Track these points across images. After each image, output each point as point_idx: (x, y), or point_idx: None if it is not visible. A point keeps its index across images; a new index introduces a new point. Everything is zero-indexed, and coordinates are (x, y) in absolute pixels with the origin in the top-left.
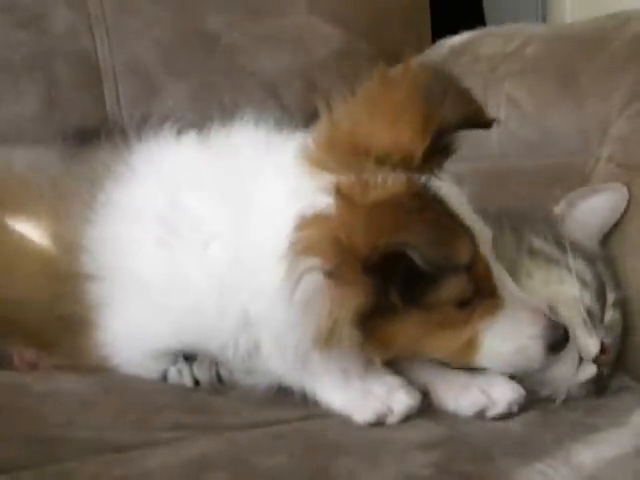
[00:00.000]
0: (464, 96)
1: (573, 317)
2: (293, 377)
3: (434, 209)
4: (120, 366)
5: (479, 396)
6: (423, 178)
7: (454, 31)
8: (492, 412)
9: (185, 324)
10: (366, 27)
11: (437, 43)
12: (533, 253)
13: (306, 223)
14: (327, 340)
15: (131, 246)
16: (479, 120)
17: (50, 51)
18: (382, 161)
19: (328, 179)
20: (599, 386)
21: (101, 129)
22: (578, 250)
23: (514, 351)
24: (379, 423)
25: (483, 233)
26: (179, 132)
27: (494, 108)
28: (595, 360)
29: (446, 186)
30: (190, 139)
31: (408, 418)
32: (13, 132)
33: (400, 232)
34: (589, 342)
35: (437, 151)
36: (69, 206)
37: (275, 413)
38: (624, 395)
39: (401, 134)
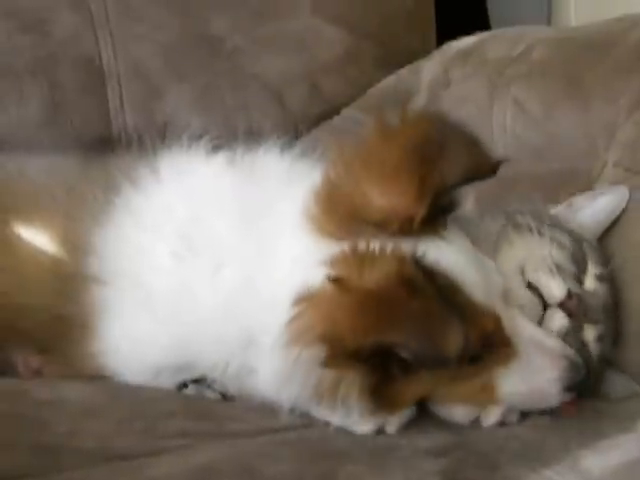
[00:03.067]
0: (465, 147)
1: (540, 269)
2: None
3: (424, 296)
4: (117, 374)
5: (472, 406)
6: (420, 249)
7: (458, 34)
8: (486, 422)
9: (184, 340)
10: (371, 30)
11: (443, 47)
12: (516, 226)
13: (302, 301)
14: (331, 398)
15: (142, 254)
16: (483, 169)
17: (53, 55)
18: (381, 226)
19: (327, 249)
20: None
21: (112, 135)
22: (563, 228)
23: (531, 393)
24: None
25: (492, 283)
26: (210, 148)
27: (500, 112)
28: (565, 309)
29: (447, 249)
30: (220, 158)
31: (415, 424)
32: (17, 136)
33: (387, 331)
34: (552, 284)
35: (439, 210)
36: (81, 208)
37: (281, 420)
38: (631, 401)
39: (398, 199)
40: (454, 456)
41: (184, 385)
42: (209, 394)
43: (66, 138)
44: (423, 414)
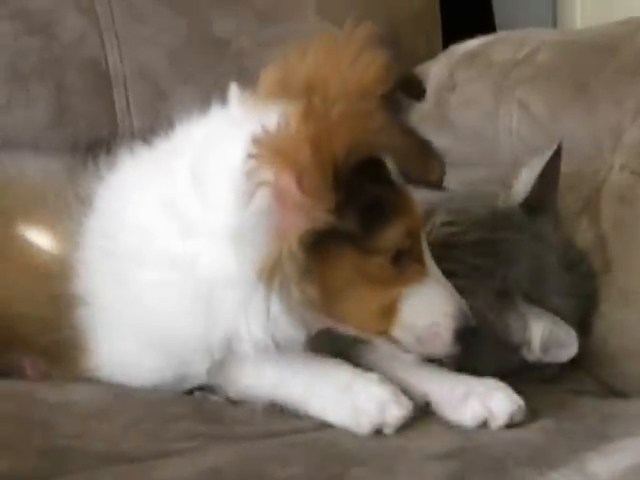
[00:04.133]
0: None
1: None
2: (282, 393)
3: (406, 125)
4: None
5: (479, 408)
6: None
7: (464, 36)
8: (494, 425)
9: (170, 354)
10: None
11: (448, 49)
12: None
13: (261, 141)
14: (272, 267)
15: (109, 272)
16: (428, 171)
17: (60, 58)
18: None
19: (279, 107)
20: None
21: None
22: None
23: (426, 326)
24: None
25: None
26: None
27: (506, 114)
28: None
29: None
30: (133, 157)
31: (421, 428)
32: (24, 138)
33: (378, 136)
34: None
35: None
36: (66, 224)
37: (289, 423)
38: (638, 404)
39: (362, 76)
40: (461, 459)
41: (190, 393)
42: (215, 399)
43: (73, 140)
44: (429, 417)
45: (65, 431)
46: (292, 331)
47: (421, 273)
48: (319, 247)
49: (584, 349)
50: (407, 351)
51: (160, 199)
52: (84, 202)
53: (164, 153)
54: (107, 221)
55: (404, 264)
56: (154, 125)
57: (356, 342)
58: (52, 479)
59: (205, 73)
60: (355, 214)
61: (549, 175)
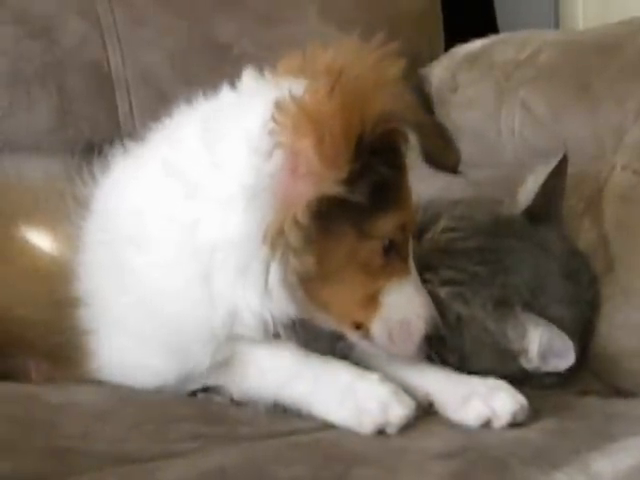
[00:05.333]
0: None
1: None
2: (285, 394)
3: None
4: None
5: (481, 408)
6: None
7: (466, 38)
8: (497, 424)
9: (171, 352)
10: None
11: (450, 51)
12: None
13: (285, 106)
14: (277, 233)
15: (106, 273)
16: (444, 155)
17: (62, 62)
18: None
19: (301, 82)
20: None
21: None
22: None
23: (401, 323)
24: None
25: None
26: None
27: (508, 115)
28: None
29: None
30: (129, 156)
31: (425, 427)
32: (26, 142)
33: (406, 111)
34: None
35: None
36: (67, 226)
37: (292, 423)
38: None
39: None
40: (464, 459)
41: (193, 394)
42: (218, 400)
43: (74, 144)
44: (432, 417)
45: (68, 432)
46: (286, 306)
47: (405, 271)
48: (323, 221)
49: (588, 349)
50: (377, 349)
51: (163, 168)
52: (82, 204)
53: (164, 133)
54: (105, 212)
55: (392, 259)
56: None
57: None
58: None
59: (207, 76)
60: (365, 190)
61: (554, 184)
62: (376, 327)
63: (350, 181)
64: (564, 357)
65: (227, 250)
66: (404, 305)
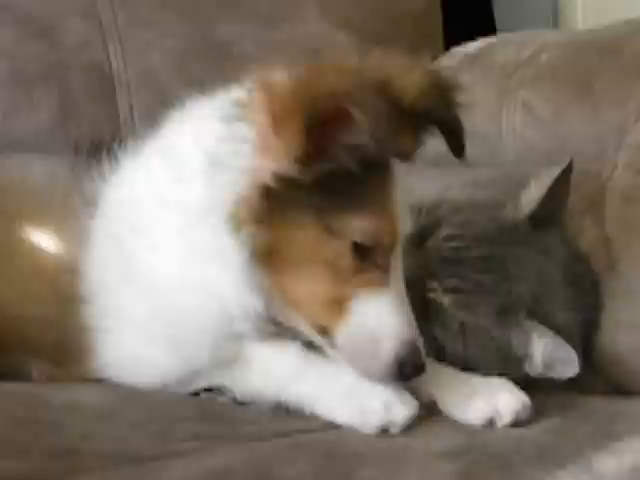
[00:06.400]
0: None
1: None
2: (288, 394)
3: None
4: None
5: (484, 407)
6: None
7: (465, 38)
8: (500, 423)
9: (175, 349)
10: (378, 35)
11: (450, 51)
12: None
13: (259, 83)
14: (238, 208)
15: (110, 269)
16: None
17: (64, 62)
18: None
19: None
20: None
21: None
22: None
23: (367, 336)
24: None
25: (403, 221)
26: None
27: (510, 115)
28: None
29: None
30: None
31: (428, 427)
32: (28, 142)
33: (353, 92)
34: None
35: None
36: (73, 225)
37: (295, 423)
38: None
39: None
40: (468, 458)
41: (196, 395)
42: (222, 400)
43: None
44: (435, 417)
45: (72, 432)
46: (255, 295)
47: (381, 283)
48: (281, 203)
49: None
50: (343, 361)
51: (158, 158)
52: (87, 202)
53: (162, 130)
54: (109, 209)
55: (366, 266)
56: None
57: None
58: None
59: (208, 76)
60: (318, 174)
61: (558, 191)
62: (341, 335)
63: (303, 162)
64: (568, 366)
65: (200, 228)
66: (373, 319)
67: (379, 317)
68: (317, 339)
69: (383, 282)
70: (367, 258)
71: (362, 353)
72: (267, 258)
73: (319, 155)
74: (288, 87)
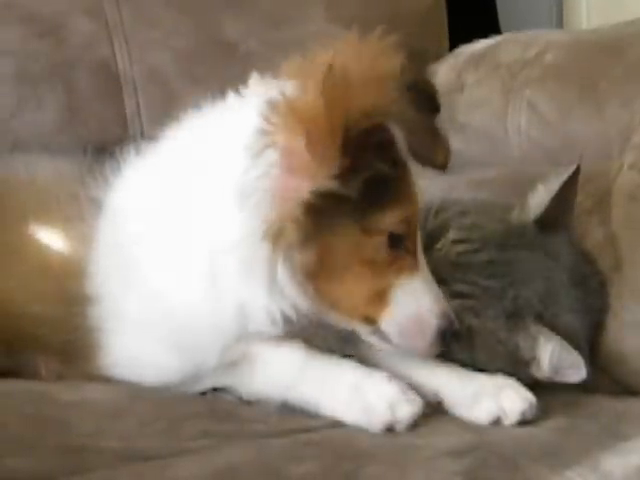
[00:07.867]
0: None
1: None
2: (294, 393)
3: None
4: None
5: (490, 406)
6: None
7: (468, 37)
8: (507, 422)
9: (181, 349)
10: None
11: (455, 51)
12: None
13: (276, 105)
14: (277, 230)
15: (117, 271)
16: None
17: (70, 61)
18: None
19: (297, 82)
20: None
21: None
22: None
23: (412, 319)
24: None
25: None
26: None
27: (515, 115)
28: None
29: None
30: (139, 157)
31: (435, 425)
32: (34, 140)
33: (391, 105)
34: None
35: None
36: (80, 226)
37: (303, 421)
38: None
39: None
40: (475, 457)
41: (202, 395)
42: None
43: (82, 143)
44: (441, 415)
45: (80, 430)
46: (296, 302)
47: (414, 267)
48: (322, 217)
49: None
50: (389, 345)
51: (169, 170)
52: (94, 203)
53: (171, 136)
54: (116, 212)
55: (399, 254)
56: (164, 127)
57: (354, 337)
58: (68, 477)
59: (214, 75)
60: (358, 184)
61: (565, 195)
62: (386, 323)
63: (342, 176)
64: (575, 371)
65: (228, 249)
66: (414, 301)
67: (418, 299)
68: (361, 330)
69: (415, 265)
70: (399, 245)
71: (409, 334)
72: (308, 269)
73: (357, 167)
74: (320, 106)
